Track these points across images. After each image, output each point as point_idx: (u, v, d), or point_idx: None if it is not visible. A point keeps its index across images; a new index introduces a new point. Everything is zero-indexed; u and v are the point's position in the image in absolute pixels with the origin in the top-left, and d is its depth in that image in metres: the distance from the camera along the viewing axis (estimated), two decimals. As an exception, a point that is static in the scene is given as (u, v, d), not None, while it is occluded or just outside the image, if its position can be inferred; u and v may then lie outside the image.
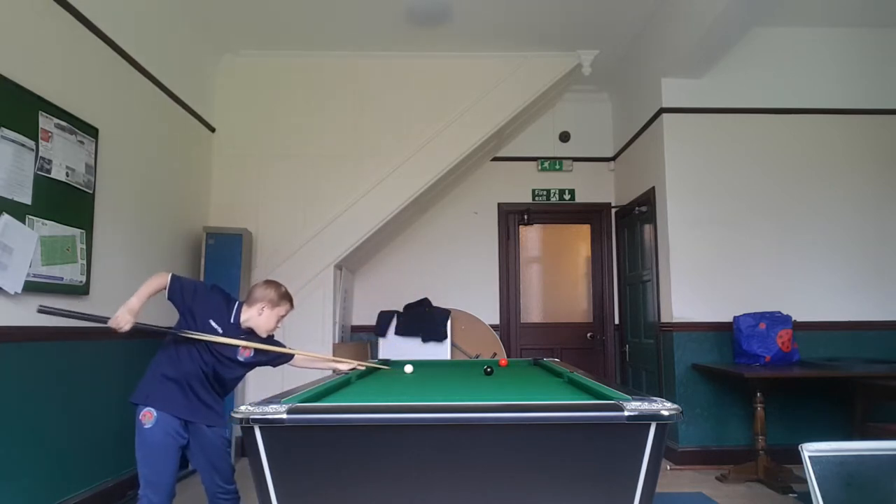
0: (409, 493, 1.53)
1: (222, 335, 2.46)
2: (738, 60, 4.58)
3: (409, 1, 4.28)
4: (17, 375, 2.79)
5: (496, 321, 5.61)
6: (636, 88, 5.18)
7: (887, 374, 3.77)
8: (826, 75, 4.65)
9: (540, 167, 5.80)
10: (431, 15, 4.45)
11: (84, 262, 3.22)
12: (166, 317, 2.59)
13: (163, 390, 2.36)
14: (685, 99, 4.62)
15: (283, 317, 2.62)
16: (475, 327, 5.28)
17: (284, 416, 1.50)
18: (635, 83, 5.18)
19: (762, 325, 4.14)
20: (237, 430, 3.96)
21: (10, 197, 2.71)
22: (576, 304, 5.86)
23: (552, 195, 5.81)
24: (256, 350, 2.54)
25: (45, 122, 2.94)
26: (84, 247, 3.22)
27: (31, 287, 2.83)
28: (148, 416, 2.31)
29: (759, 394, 3.84)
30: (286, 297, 2.62)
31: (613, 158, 5.83)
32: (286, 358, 2.70)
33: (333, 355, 4.61)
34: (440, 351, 4.99)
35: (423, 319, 5.12)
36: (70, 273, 3.11)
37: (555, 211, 5.85)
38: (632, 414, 1.47)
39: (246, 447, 1.54)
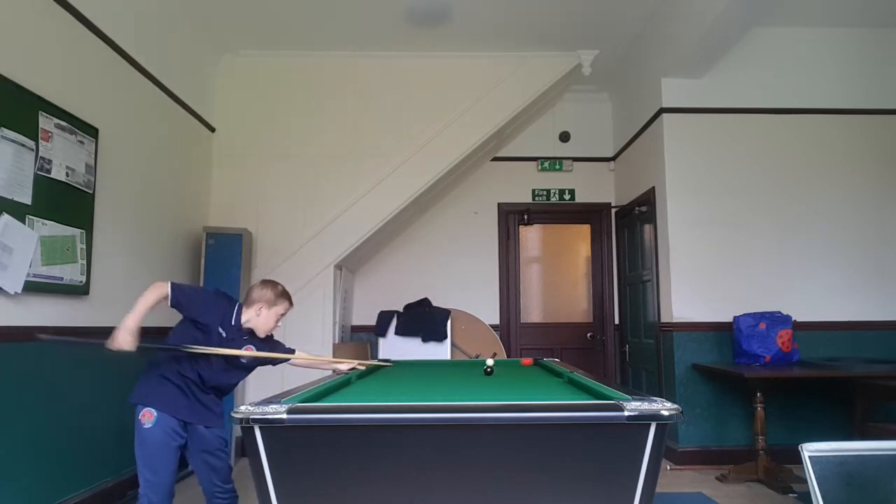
0: (409, 493, 1.53)
1: (227, 338, 2.47)
2: (738, 60, 4.59)
3: (409, 1, 4.28)
4: (17, 375, 2.79)
5: (496, 321, 5.61)
6: (636, 88, 5.18)
7: (887, 374, 3.77)
8: (826, 75, 4.65)
9: (540, 167, 5.80)
10: (431, 15, 4.45)
11: (84, 262, 3.22)
12: (167, 317, 2.59)
13: (162, 391, 2.36)
14: (685, 99, 4.62)
15: (282, 315, 2.61)
16: (475, 327, 5.28)
17: (284, 416, 1.50)
18: (635, 83, 5.18)
19: (762, 325, 4.14)
20: (237, 430, 3.96)
21: (10, 197, 2.71)
22: (576, 304, 5.86)
23: (552, 195, 5.81)
24: (259, 350, 2.55)
25: (45, 122, 2.94)
26: (84, 247, 3.22)
27: (31, 287, 2.83)
28: (148, 416, 2.32)
29: (759, 394, 3.84)
30: (283, 296, 2.61)
31: (613, 158, 5.83)
32: (285, 357, 2.71)
33: (333, 355, 4.61)
34: (440, 351, 4.99)
35: (423, 319, 5.12)
36: (70, 273, 3.11)
37: (555, 211, 5.85)
38: (632, 414, 1.47)
39: (246, 447, 1.54)
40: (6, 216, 2.68)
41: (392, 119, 4.99)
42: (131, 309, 2.28)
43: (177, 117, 4.40)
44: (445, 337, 5.03)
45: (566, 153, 5.83)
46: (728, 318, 4.35)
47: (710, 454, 4.30)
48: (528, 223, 5.78)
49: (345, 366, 2.77)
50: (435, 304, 5.33)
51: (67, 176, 3.09)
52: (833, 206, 4.56)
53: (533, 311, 5.81)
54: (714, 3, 3.72)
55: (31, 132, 2.85)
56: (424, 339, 5.03)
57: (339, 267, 4.90)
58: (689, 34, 4.11)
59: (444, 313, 5.13)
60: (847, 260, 4.52)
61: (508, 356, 5.30)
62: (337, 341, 4.80)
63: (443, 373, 2.98)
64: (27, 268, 2.79)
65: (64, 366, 3.11)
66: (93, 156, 3.30)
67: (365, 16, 4.47)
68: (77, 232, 3.17)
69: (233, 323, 2.51)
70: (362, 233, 4.81)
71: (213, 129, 4.93)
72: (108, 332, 2.30)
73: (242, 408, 1.55)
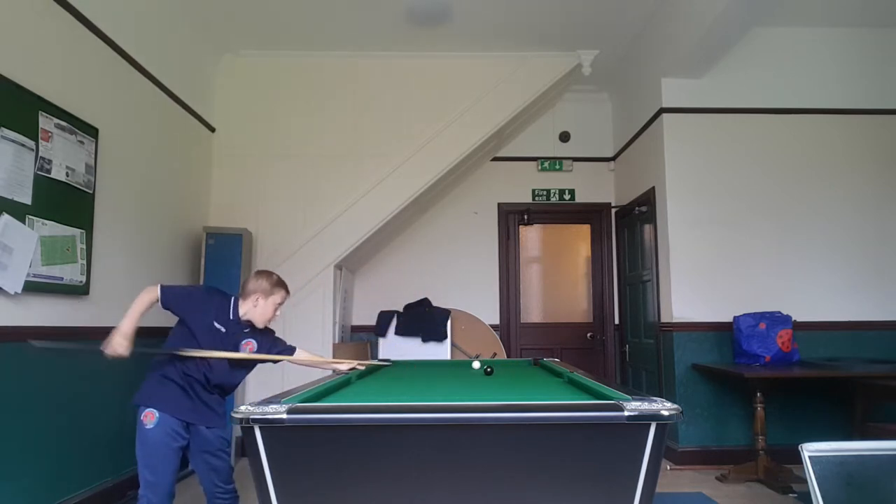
0: (409, 493, 1.53)
1: (226, 334, 2.47)
2: (738, 60, 4.59)
3: (409, 1, 4.28)
4: (17, 375, 2.79)
5: (496, 321, 5.61)
6: (636, 88, 5.18)
7: (887, 374, 3.77)
8: (826, 75, 4.65)
9: (540, 167, 5.80)
10: (431, 15, 4.45)
11: (84, 262, 3.22)
12: (165, 317, 2.59)
13: (165, 391, 2.36)
14: (685, 99, 4.62)
15: (279, 305, 2.60)
16: (475, 327, 5.28)
17: (284, 416, 1.50)
18: (635, 83, 5.18)
19: (762, 325, 4.14)
20: (237, 431, 3.96)
21: (10, 197, 2.71)
22: (576, 304, 5.86)
23: (552, 195, 5.81)
24: (259, 346, 2.54)
25: (45, 122, 2.94)
26: (84, 247, 3.22)
27: (31, 287, 2.83)
28: (150, 417, 2.32)
29: (759, 394, 3.84)
30: (279, 285, 2.60)
31: (613, 158, 5.83)
32: (287, 352, 2.70)
33: (333, 355, 4.61)
34: (440, 351, 4.99)
35: (423, 319, 5.12)
36: (70, 273, 3.11)
37: (555, 211, 5.85)
38: (632, 414, 1.47)
39: (246, 447, 1.54)
40: (6, 216, 2.68)
41: (392, 119, 4.99)
42: (125, 318, 2.30)
43: (177, 117, 4.40)
44: (445, 337, 5.03)
45: (566, 153, 5.83)
46: (728, 318, 4.35)
47: (710, 454, 4.30)
48: (528, 223, 5.78)
49: (344, 366, 2.77)
50: (435, 304, 5.33)
51: (67, 176, 3.09)
52: (833, 206, 4.56)
53: (533, 311, 5.81)
54: (714, 3, 3.72)
55: (31, 132, 2.85)
56: (424, 339, 5.03)
57: (339, 267, 4.90)
58: (689, 34, 4.11)
59: (444, 313, 5.13)
60: (847, 260, 4.51)
61: (508, 356, 5.30)
62: (337, 341, 4.80)
63: (443, 373, 2.98)
64: (27, 268, 2.79)
65: (64, 366, 3.11)
66: (93, 156, 3.30)
67: (365, 16, 4.47)
68: (77, 232, 3.17)
69: (231, 317, 2.51)
70: (362, 233, 4.81)
71: (213, 129, 4.93)
72: (108, 332, 2.30)
73: (242, 408, 1.55)
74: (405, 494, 1.53)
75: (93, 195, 3.31)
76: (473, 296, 5.56)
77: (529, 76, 5.04)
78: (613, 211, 5.80)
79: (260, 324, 2.57)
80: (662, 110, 4.64)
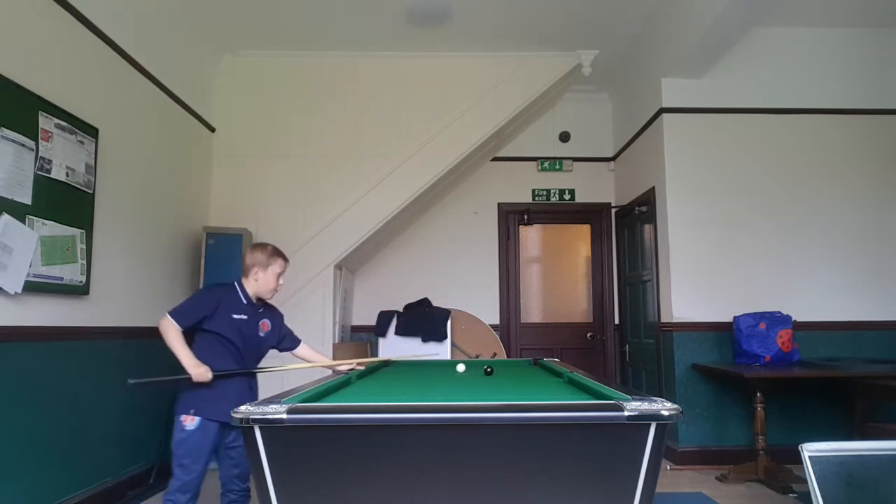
0: (409, 493, 1.53)
1: (248, 321, 2.58)
2: (738, 60, 4.58)
3: (409, 1, 4.28)
4: (17, 375, 2.79)
5: (496, 321, 5.61)
6: (636, 88, 5.18)
7: (887, 374, 3.77)
8: (826, 75, 4.65)
9: (540, 167, 5.80)
10: (431, 15, 4.45)
11: (84, 262, 3.22)
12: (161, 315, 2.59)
13: (207, 395, 2.43)
14: (685, 99, 4.62)
15: (280, 274, 2.66)
16: (475, 327, 5.28)
17: (284, 416, 1.50)
18: (635, 83, 5.18)
19: (762, 325, 4.14)
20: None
21: (10, 197, 2.71)
22: (576, 304, 5.86)
23: (552, 195, 5.81)
24: (272, 326, 2.69)
25: (45, 122, 2.94)
26: (84, 247, 3.22)
27: (31, 287, 2.83)
28: (190, 420, 2.42)
29: (759, 394, 3.84)
30: (276, 254, 2.66)
31: (613, 158, 5.83)
32: (291, 341, 2.80)
33: (333, 355, 4.61)
34: (440, 351, 4.99)
35: (423, 319, 5.12)
36: (70, 273, 3.11)
37: (555, 211, 5.85)
38: (632, 414, 1.47)
39: (246, 447, 1.54)
40: (6, 216, 2.68)
41: (392, 119, 4.99)
42: (178, 355, 2.43)
43: (177, 117, 4.40)
44: (445, 337, 5.03)
45: (566, 153, 5.83)
46: (728, 318, 4.35)
47: (710, 454, 4.30)
48: (528, 223, 5.78)
49: (344, 366, 2.78)
50: (435, 304, 5.33)
51: (67, 176, 3.09)
52: (833, 206, 4.56)
53: (533, 311, 5.81)
54: (714, 3, 3.72)
55: (31, 132, 2.85)
56: (424, 339, 5.03)
57: (339, 267, 4.90)
58: (689, 34, 4.11)
59: (444, 313, 5.13)
60: (847, 260, 4.51)
61: (508, 356, 5.31)
62: (337, 341, 4.80)
63: (443, 372, 2.98)
64: (27, 268, 2.79)
65: (64, 366, 3.11)
66: (93, 156, 3.30)
67: (365, 16, 4.47)
68: (77, 232, 3.17)
69: (245, 301, 2.59)
70: (362, 233, 4.81)
71: (213, 129, 4.93)
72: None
73: (242, 408, 1.55)
74: (405, 494, 1.53)
75: (93, 195, 3.31)
76: (473, 296, 5.56)
77: (529, 76, 5.04)
78: (613, 211, 5.80)
79: (267, 295, 2.65)
80: (662, 110, 4.63)
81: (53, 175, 2.98)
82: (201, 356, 2.45)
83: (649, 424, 1.48)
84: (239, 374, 2.54)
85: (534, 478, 1.53)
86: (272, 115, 4.99)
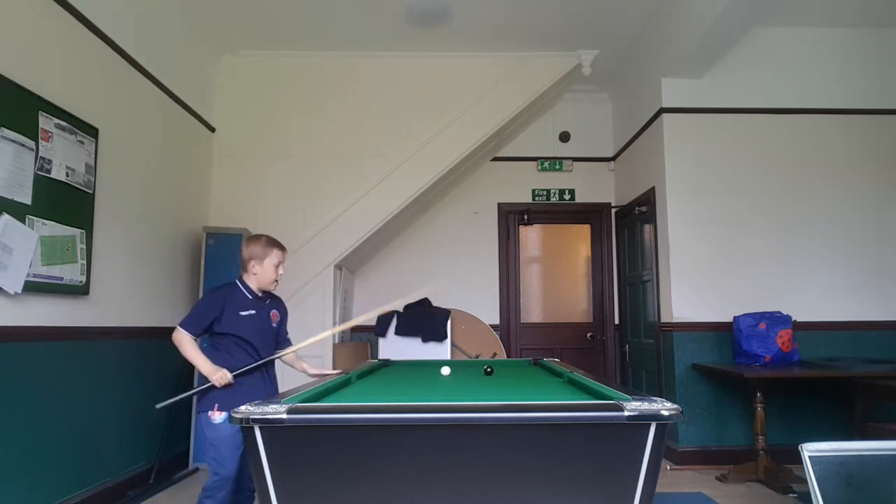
0: (409, 493, 1.53)
1: (257, 315, 2.61)
2: (738, 60, 4.58)
3: (409, 1, 4.28)
4: (17, 375, 2.79)
5: (496, 321, 5.61)
6: (636, 88, 5.18)
7: (887, 374, 3.77)
8: (826, 75, 4.65)
9: (540, 167, 5.80)
10: (431, 15, 4.45)
11: (84, 262, 3.22)
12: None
13: (228, 393, 2.45)
14: (685, 99, 4.62)
15: (278, 264, 2.67)
16: (475, 327, 5.27)
17: (284, 416, 1.50)
18: (635, 83, 5.18)
19: (762, 325, 4.14)
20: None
21: (10, 197, 2.71)
22: (576, 304, 5.86)
23: (552, 195, 5.81)
24: (281, 317, 2.77)
25: (45, 122, 2.94)
26: (84, 247, 3.22)
27: (31, 287, 2.83)
28: (218, 415, 2.44)
29: (759, 394, 3.84)
30: (271, 244, 2.68)
31: (613, 158, 5.83)
32: (284, 339, 2.81)
33: (333, 355, 4.62)
34: (440, 351, 4.99)
35: (423, 319, 5.11)
36: (70, 273, 3.11)
37: (555, 211, 5.85)
38: (632, 414, 1.47)
39: (246, 447, 1.54)
40: (6, 216, 2.68)
41: (392, 119, 4.99)
42: (196, 364, 2.50)
43: (177, 117, 4.40)
44: (445, 337, 5.03)
45: (566, 153, 5.83)
46: (728, 318, 4.35)
47: (710, 454, 4.30)
48: (528, 223, 5.78)
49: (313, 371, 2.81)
50: (435, 304, 5.33)
51: (67, 176, 3.09)
52: (833, 206, 4.56)
53: (533, 311, 5.81)
54: (714, 3, 3.72)
55: (31, 132, 2.85)
56: (424, 340, 5.03)
57: (339, 267, 4.90)
58: (689, 34, 4.11)
59: (444, 313, 5.13)
60: (847, 260, 4.51)
61: (508, 356, 5.30)
62: (337, 341, 4.80)
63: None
64: (27, 268, 2.79)
65: (64, 366, 3.11)
66: (93, 156, 3.30)
67: (365, 16, 4.47)
68: (77, 232, 3.17)
69: (250, 297, 2.61)
70: (362, 233, 4.81)
71: (213, 129, 4.93)
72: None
73: (242, 408, 1.55)
74: (405, 494, 1.53)
75: (93, 195, 3.31)
76: (473, 296, 5.56)
77: (529, 76, 5.04)
78: (613, 211, 5.80)
79: (269, 286, 2.67)
80: (662, 110, 4.63)
81: (53, 175, 2.98)
82: (217, 359, 2.49)
83: (649, 424, 1.48)
84: (255, 368, 2.57)
85: (534, 478, 1.53)
86: (272, 115, 4.99)
